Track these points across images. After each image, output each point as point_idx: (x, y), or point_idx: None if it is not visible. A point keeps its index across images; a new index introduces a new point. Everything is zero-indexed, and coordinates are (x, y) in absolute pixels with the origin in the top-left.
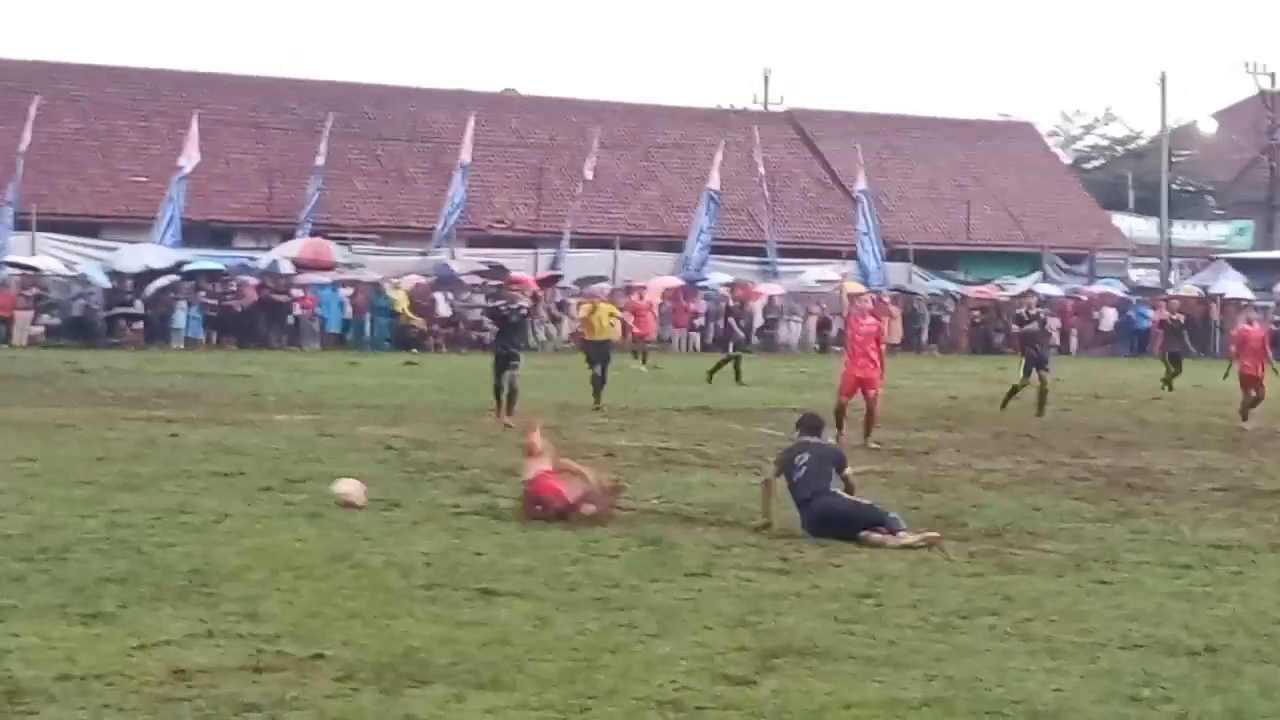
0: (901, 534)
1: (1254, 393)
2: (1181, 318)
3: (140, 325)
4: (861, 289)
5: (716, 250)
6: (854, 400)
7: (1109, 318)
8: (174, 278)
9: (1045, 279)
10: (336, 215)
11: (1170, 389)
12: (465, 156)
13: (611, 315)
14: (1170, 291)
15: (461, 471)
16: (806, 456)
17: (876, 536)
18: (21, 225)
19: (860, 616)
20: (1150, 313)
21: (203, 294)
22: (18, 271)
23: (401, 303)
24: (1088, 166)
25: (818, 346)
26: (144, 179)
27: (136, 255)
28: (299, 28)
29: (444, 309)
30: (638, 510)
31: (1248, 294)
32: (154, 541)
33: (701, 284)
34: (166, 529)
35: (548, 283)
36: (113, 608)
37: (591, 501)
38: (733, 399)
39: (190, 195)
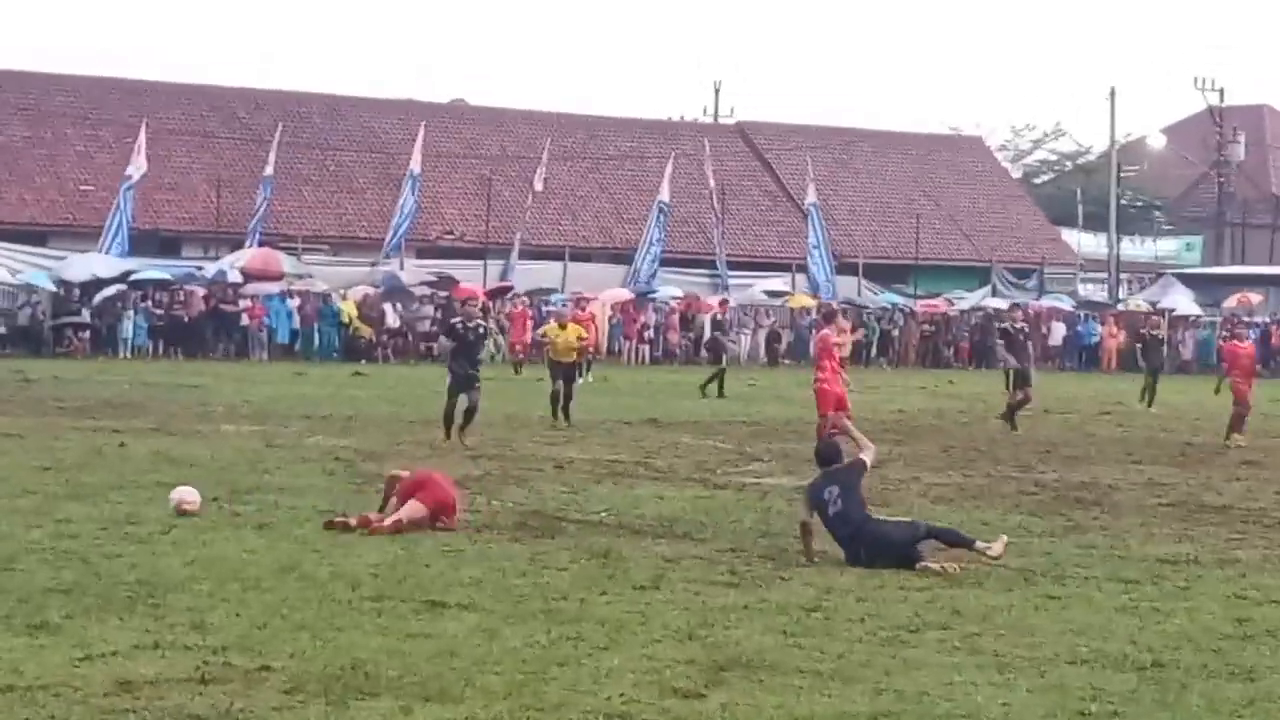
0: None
1: (1243, 409)
2: (1161, 333)
3: (87, 335)
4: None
5: (666, 262)
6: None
7: (1058, 332)
8: (121, 287)
9: (994, 293)
10: (285, 225)
11: (1149, 405)
12: (415, 167)
13: (580, 337)
14: (1123, 307)
15: None
16: (836, 489)
17: (935, 567)
18: None
19: (809, 630)
20: (1099, 328)
21: (150, 303)
22: None
23: (350, 313)
24: (1037, 181)
25: (766, 359)
26: (91, 188)
27: (84, 264)
28: (249, 36)
29: (392, 320)
30: (586, 523)
31: (1196, 309)
32: (100, 552)
33: (651, 296)
34: (113, 539)
35: (497, 294)
36: (58, 618)
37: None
38: (682, 412)
39: (138, 204)
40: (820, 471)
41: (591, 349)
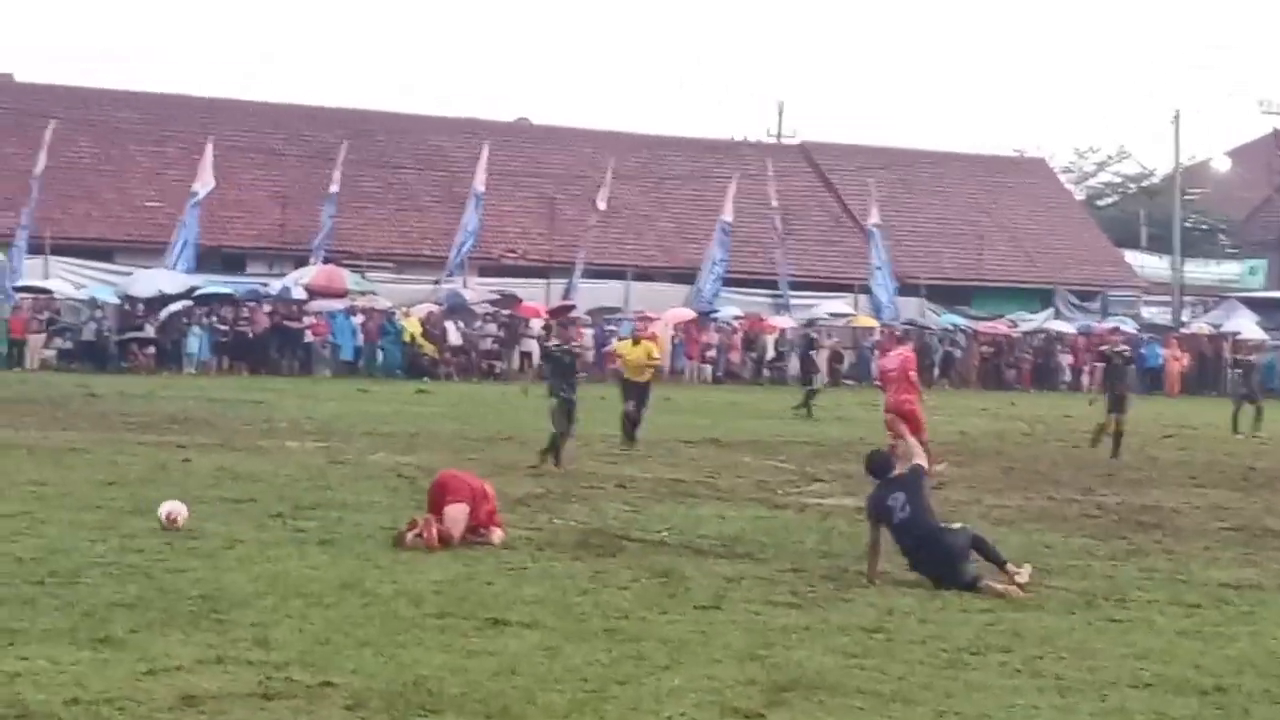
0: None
1: None
2: (1255, 358)
3: (152, 350)
4: (874, 323)
5: (728, 282)
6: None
7: (1098, 354)
8: (186, 303)
9: (1057, 315)
10: (349, 242)
11: (1253, 432)
12: (479, 185)
13: (650, 355)
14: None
15: None
16: (902, 496)
17: (999, 588)
18: (35, 249)
19: (870, 651)
20: (1162, 351)
21: (215, 319)
22: (30, 295)
23: (413, 330)
24: (1101, 203)
25: (828, 380)
26: (158, 204)
27: (149, 280)
28: (315, 54)
29: (454, 337)
30: (648, 542)
31: (1260, 333)
32: (164, 567)
33: (713, 315)
34: (177, 554)
35: (560, 313)
36: (122, 633)
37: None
38: (743, 431)
39: (204, 221)
40: (877, 483)
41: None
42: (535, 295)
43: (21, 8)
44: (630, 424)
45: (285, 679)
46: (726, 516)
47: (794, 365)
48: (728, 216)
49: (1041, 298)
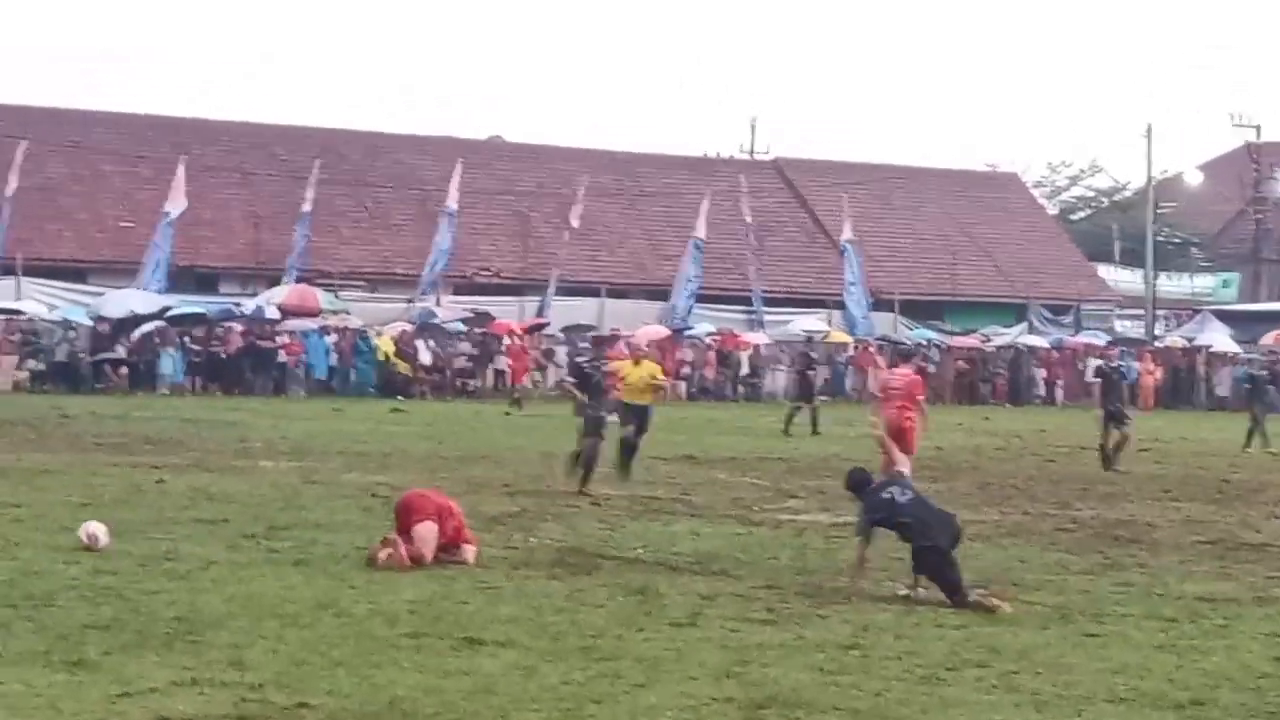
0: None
1: None
2: (1268, 373)
3: (125, 371)
4: (848, 338)
5: (702, 299)
6: None
7: (1094, 369)
8: (159, 323)
9: (1030, 330)
10: (323, 261)
11: (1265, 446)
12: (452, 203)
13: (654, 375)
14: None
15: None
16: (897, 488)
17: (988, 604)
18: (7, 270)
19: (846, 668)
20: (1136, 365)
21: (188, 340)
22: (3, 316)
23: (386, 349)
24: (1074, 218)
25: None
26: (130, 224)
27: (122, 300)
28: (288, 74)
29: (425, 356)
30: (624, 560)
31: (1234, 346)
32: (139, 589)
33: (687, 332)
34: (151, 576)
35: (533, 330)
36: (97, 655)
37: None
38: (718, 448)
39: (177, 241)
40: (860, 497)
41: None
42: (509, 313)
43: None
44: (628, 451)
45: (260, 700)
46: (702, 534)
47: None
48: (701, 233)
49: (1015, 312)
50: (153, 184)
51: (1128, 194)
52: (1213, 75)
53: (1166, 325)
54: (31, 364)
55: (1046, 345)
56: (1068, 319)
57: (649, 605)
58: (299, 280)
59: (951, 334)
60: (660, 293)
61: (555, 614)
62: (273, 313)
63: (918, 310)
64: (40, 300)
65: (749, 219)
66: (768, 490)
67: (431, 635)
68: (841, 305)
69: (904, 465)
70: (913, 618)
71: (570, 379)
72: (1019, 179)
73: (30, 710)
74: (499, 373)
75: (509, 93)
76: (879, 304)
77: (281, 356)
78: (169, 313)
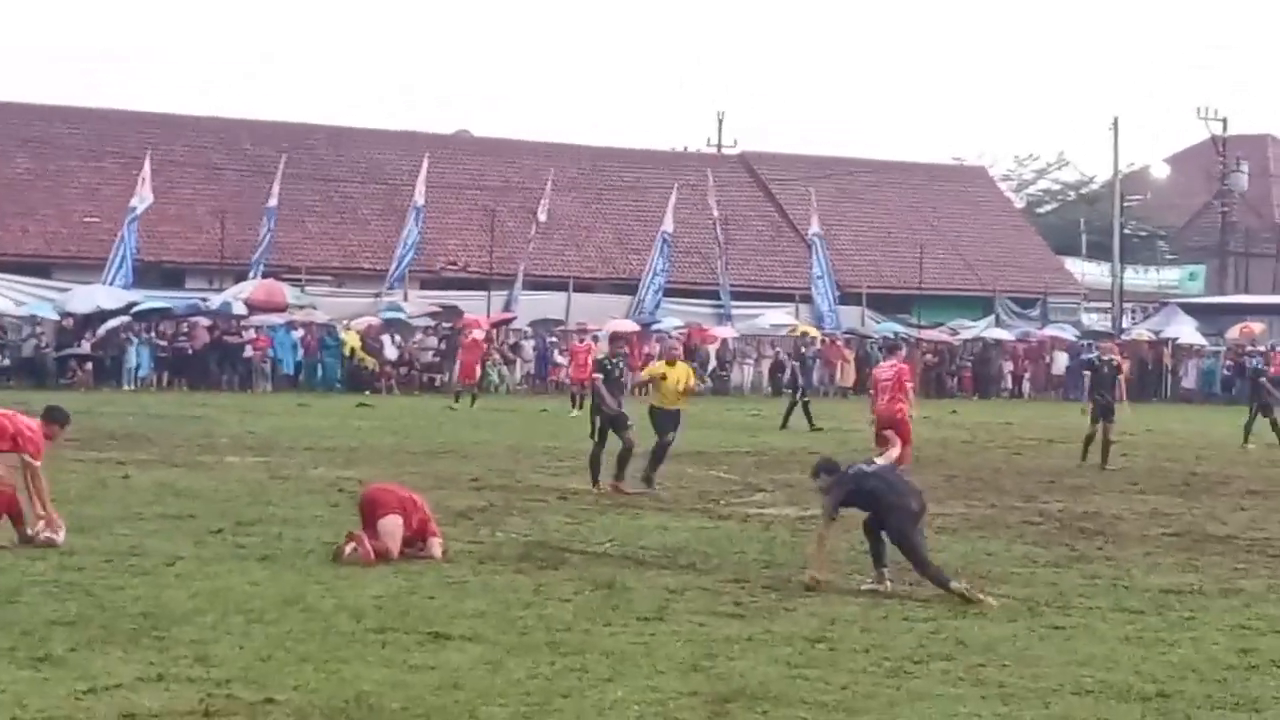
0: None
1: None
2: (1271, 369)
3: (91, 366)
4: (816, 332)
5: (670, 293)
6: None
7: (1060, 361)
8: (125, 318)
9: (998, 323)
10: (289, 256)
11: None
12: (419, 198)
13: (688, 379)
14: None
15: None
16: (864, 464)
17: (972, 596)
18: None
19: (813, 661)
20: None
21: (154, 335)
22: None
23: (353, 344)
24: (1040, 211)
25: (770, 389)
26: (96, 219)
27: (88, 296)
28: (253, 68)
29: (390, 351)
30: (590, 554)
31: (1200, 339)
32: (104, 584)
33: (654, 326)
34: (117, 572)
35: (500, 324)
36: (62, 651)
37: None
38: (685, 442)
39: (142, 236)
40: (837, 479)
41: (587, 381)
42: (476, 307)
43: None
44: (658, 458)
45: (226, 696)
46: (669, 527)
47: (741, 375)
48: (668, 227)
49: (982, 305)
50: (118, 179)
51: (1094, 187)
52: (1180, 67)
53: (1133, 318)
54: None
55: (1012, 338)
56: (1035, 312)
57: (616, 599)
58: (265, 275)
59: (919, 327)
60: (628, 287)
61: (522, 608)
62: (239, 308)
63: (885, 303)
64: (5, 296)
65: (716, 213)
66: (735, 484)
67: (398, 630)
68: (809, 299)
69: (897, 452)
70: (880, 611)
71: (598, 374)
72: (986, 172)
73: None
74: None
75: (476, 87)
76: (846, 298)
77: (248, 352)
78: (135, 308)
